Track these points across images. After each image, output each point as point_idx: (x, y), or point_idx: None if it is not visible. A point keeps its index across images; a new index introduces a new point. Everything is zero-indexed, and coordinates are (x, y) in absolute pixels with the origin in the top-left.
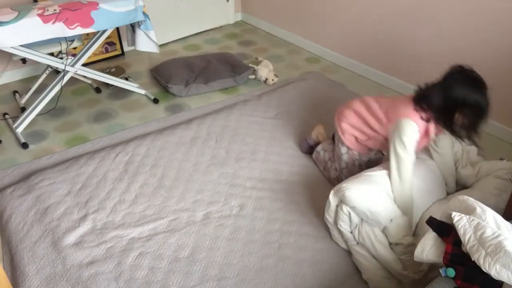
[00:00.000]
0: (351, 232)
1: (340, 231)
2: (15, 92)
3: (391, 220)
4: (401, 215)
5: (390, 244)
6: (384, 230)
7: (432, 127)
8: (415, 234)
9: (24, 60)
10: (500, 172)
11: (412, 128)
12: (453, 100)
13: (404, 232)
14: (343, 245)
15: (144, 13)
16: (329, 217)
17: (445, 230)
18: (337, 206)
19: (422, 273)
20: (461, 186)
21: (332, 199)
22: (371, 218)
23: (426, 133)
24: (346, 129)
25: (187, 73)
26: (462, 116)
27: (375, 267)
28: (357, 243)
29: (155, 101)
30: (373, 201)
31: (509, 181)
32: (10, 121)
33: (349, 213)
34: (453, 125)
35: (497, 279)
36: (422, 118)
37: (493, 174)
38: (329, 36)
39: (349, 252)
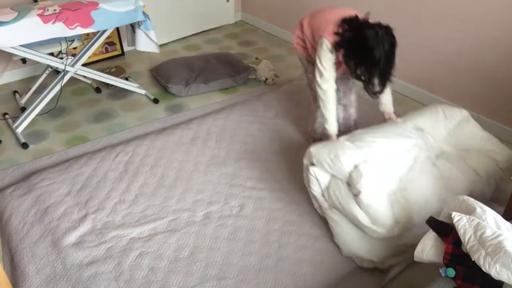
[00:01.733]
0: (322, 195)
1: (314, 197)
2: (15, 92)
3: (355, 167)
4: (364, 161)
5: (355, 196)
6: (349, 181)
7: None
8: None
9: (24, 60)
10: (496, 156)
11: (325, 46)
12: (356, 46)
13: (369, 177)
14: (321, 212)
15: (144, 13)
16: (306, 184)
17: (445, 230)
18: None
19: (392, 231)
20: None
21: (304, 164)
22: (334, 167)
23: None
24: (294, 39)
25: (187, 73)
26: (357, 63)
27: (346, 232)
28: (329, 206)
29: (155, 101)
30: (333, 150)
31: (499, 168)
32: (10, 121)
33: (315, 175)
34: (353, 68)
35: (497, 279)
36: (336, 43)
37: (487, 155)
38: None
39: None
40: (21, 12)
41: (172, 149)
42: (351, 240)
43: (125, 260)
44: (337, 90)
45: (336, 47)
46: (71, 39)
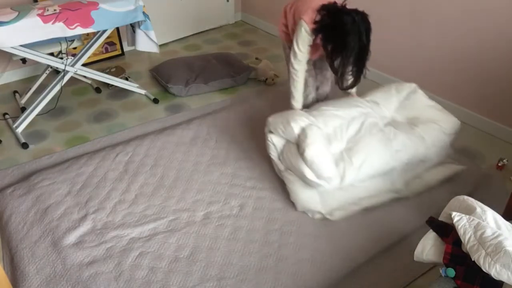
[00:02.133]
0: (279, 159)
1: (273, 161)
2: (15, 92)
3: (302, 129)
4: (311, 124)
5: (301, 154)
6: (297, 142)
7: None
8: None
9: (24, 60)
10: (441, 123)
11: (304, 29)
12: (333, 31)
13: (313, 137)
14: (280, 175)
15: (144, 13)
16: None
17: (445, 230)
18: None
19: (335, 184)
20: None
21: (265, 132)
22: (286, 132)
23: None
24: (279, 27)
25: (187, 73)
26: (334, 48)
27: (299, 189)
28: (284, 168)
29: (155, 101)
30: (286, 117)
31: (444, 134)
32: (10, 121)
33: (272, 141)
34: (329, 53)
35: (497, 279)
36: (315, 28)
37: (434, 122)
38: None
39: (348, 252)
40: (21, 12)
41: (172, 149)
42: (303, 196)
43: (125, 260)
44: (315, 68)
45: (315, 32)
46: (71, 39)
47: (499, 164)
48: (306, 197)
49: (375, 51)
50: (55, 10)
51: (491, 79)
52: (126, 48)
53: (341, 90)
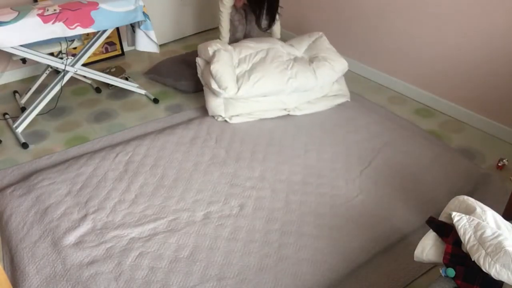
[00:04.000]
0: (201, 77)
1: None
2: (15, 92)
3: (214, 51)
4: (220, 49)
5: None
6: (210, 60)
7: None
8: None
9: (24, 60)
10: (333, 63)
11: None
12: None
13: (219, 57)
14: (204, 91)
15: (144, 13)
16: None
17: (445, 230)
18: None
19: (231, 94)
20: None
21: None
22: (205, 54)
23: None
24: None
25: (188, 70)
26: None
27: (210, 97)
28: (204, 83)
29: (155, 101)
30: (208, 44)
31: (333, 71)
32: (10, 121)
33: (199, 63)
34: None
35: (497, 279)
36: None
37: (327, 61)
38: (325, 35)
39: (348, 252)
40: (21, 12)
41: (172, 149)
42: (213, 103)
43: (125, 260)
44: (246, 19)
45: None
46: (71, 39)
47: (499, 164)
48: (214, 105)
49: (375, 51)
50: (55, 10)
51: (491, 79)
52: (126, 48)
53: (261, 31)
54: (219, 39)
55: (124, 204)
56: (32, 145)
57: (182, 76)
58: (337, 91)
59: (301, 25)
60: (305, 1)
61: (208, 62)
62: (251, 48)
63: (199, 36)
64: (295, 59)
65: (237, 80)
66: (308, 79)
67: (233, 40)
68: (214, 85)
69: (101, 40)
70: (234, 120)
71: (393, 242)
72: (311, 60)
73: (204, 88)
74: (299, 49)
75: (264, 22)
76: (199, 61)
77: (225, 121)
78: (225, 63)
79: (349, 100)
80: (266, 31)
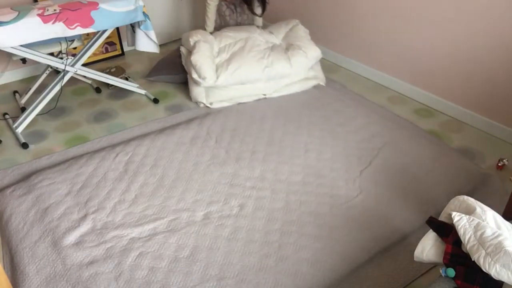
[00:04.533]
0: (185, 65)
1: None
2: (15, 92)
3: (195, 42)
4: (200, 40)
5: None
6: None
7: None
8: None
9: (24, 60)
10: (306, 51)
11: None
12: None
13: (199, 48)
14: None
15: (144, 13)
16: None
17: (445, 230)
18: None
19: (210, 83)
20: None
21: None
22: (187, 44)
23: None
24: None
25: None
26: None
27: (193, 86)
28: (188, 72)
29: (155, 101)
30: (191, 33)
31: (307, 59)
32: (10, 121)
33: (182, 51)
34: None
35: (497, 279)
36: None
37: (301, 49)
38: (326, 35)
39: (348, 252)
40: (21, 12)
41: (172, 149)
42: (195, 91)
43: (125, 260)
44: (236, 12)
45: None
46: (71, 39)
47: (499, 164)
48: (196, 92)
49: (375, 51)
50: (55, 10)
51: (491, 79)
52: (126, 48)
53: (253, 15)
54: (205, 28)
55: (124, 204)
56: (32, 145)
57: (175, 69)
58: (313, 77)
59: (285, 15)
60: (305, 1)
61: (190, 52)
62: (231, 38)
63: None
64: (272, 48)
65: (217, 69)
66: (283, 67)
67: None
68: (194, 75)
69: (101, 40)
70: (215, 105)
71: (393, 242)
72: (287, 48)
73: (187, 76)
74: (277, 36)
75: (258, 10)
76: (183, 50)
77: (207, 106)
78: (204, 54)
79: (323, 84)
80: (261, 16)
